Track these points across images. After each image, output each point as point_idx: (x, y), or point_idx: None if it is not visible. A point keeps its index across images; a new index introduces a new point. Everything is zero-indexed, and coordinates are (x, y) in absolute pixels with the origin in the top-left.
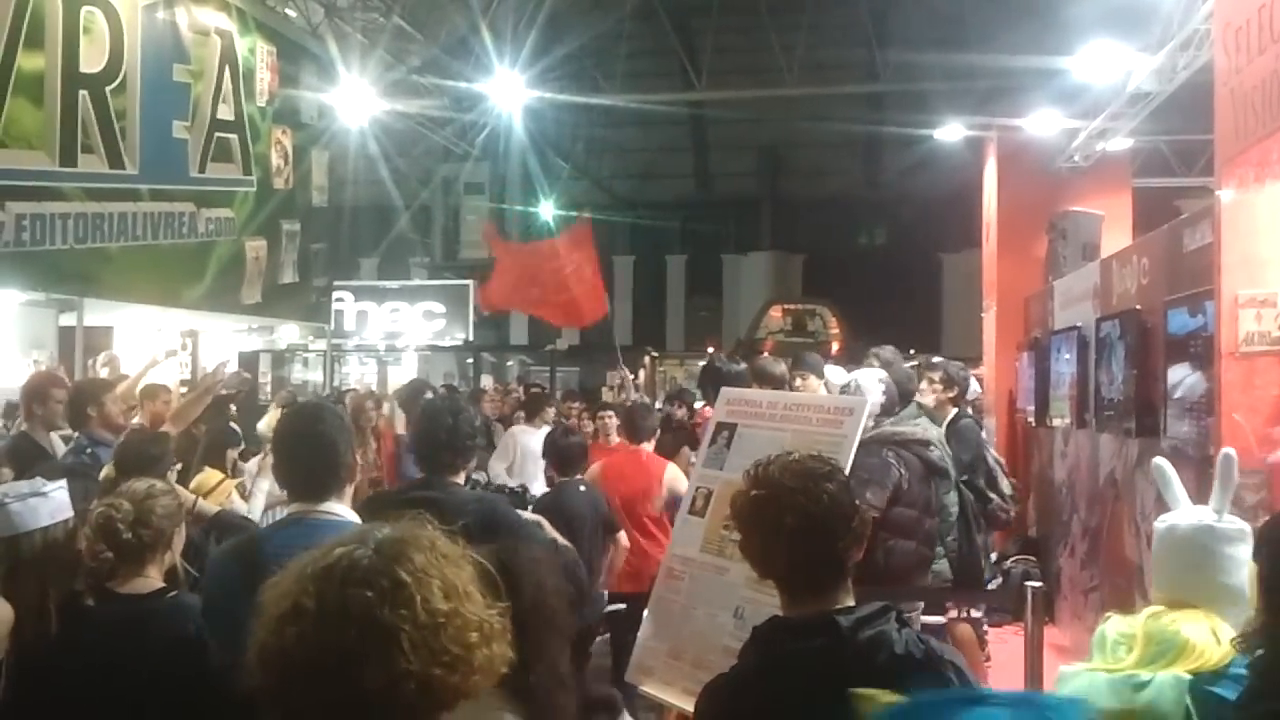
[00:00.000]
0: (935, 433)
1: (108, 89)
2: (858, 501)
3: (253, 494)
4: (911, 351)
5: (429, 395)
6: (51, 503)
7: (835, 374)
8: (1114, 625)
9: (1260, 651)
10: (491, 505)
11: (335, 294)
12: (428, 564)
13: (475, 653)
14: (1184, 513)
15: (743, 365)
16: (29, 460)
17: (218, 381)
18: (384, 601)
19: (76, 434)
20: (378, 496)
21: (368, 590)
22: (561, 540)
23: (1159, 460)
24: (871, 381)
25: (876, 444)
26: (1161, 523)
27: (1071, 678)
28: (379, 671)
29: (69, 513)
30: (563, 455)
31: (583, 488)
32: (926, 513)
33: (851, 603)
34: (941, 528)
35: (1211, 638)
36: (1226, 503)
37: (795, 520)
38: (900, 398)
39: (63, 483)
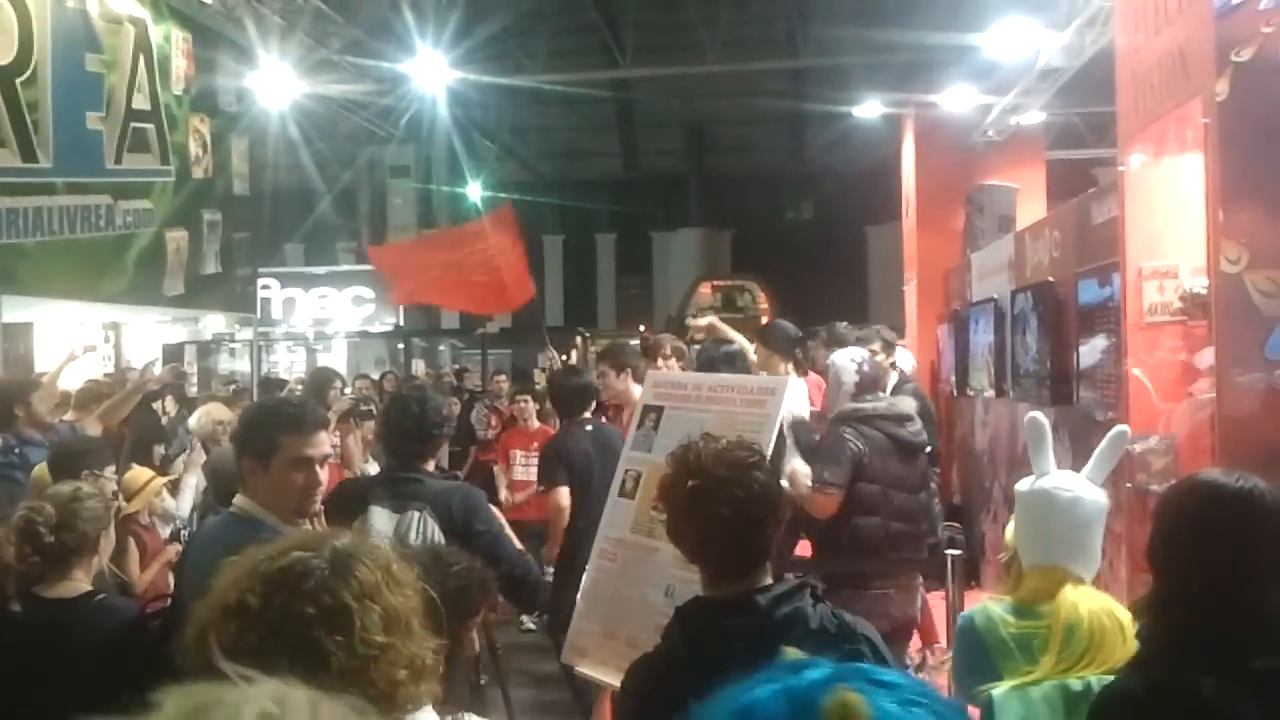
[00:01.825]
0: (909, 405)
1: (18, 81)
2: (818, 482)
3: (181, 490)
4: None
5: (337, 384)
6: None
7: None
8: (997, 617)
9: (1149, 619)
10: (467, 491)
11: (260, 281)
12: (375, 587)
13: (399, 690)
14: (1071, 479)
15: (736, 345)
16: None
17: (147, 380)
18: (323, 622)
19: (3, 434)
20: (352, 481)
21: (310, 607)
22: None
23: (1036, 415)
24: (845, 361)
25: (837, 422)
26: (1055, 489)
27: (1004, 704)
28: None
29: None
30: (565, 397)
31: (589, 427)
32: (897, 487)
33: (769, 581)
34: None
35: (1113, 622)
36: (1103, 475)
37: (729, 510)
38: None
39: None
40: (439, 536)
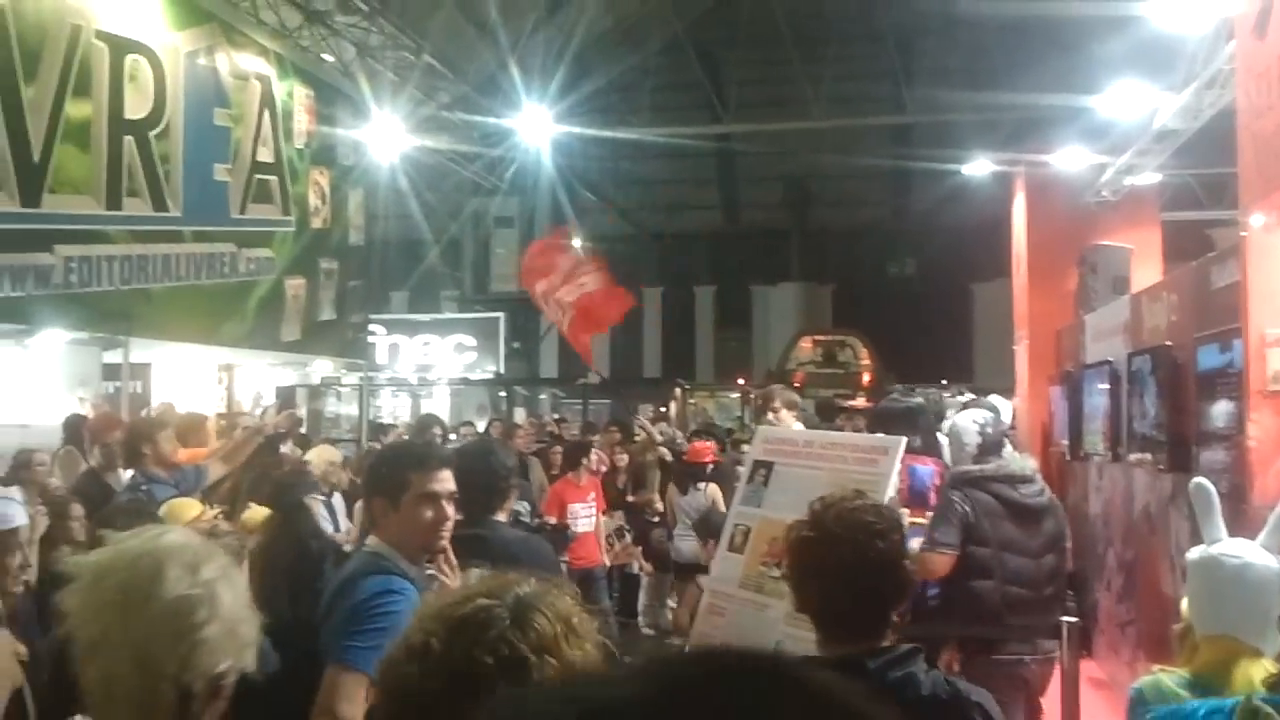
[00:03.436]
0: (1025, 466)
1: (152, 134)
2: (930, 543)
3: None
4: (944, 382)
5: (437, 430)
6: None
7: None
8: (1169, 690)
9: None
10: (536, 545)
11: (368, 327)
12: (554, 641)
13: None
14: (1242, 546)
15: (917, 399)
16: (96, 497)
17: (266, 423)
18: (502, 674)
19: (132, 472)
20: None
21: (489, 657)
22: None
23: (1201, 481)
24: (968, 423)
25: (948, 485)
26: (1222, 555)
27: None
28: None
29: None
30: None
31: None
32: (1012, 550)
33: (886, 644)
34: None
35: None
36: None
37: (836, 568)
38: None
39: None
40: None
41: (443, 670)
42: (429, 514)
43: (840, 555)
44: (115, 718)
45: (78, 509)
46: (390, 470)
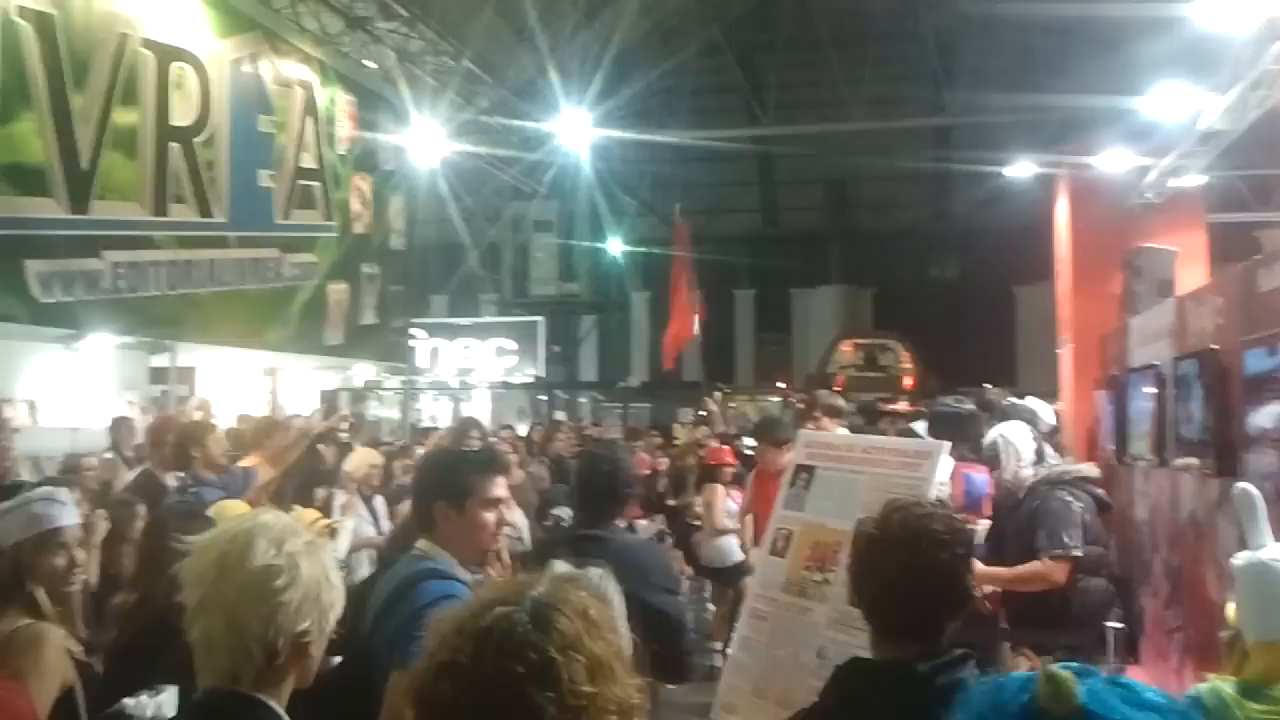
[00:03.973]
0: (1095, 471)
1: (197, 141)
2: (1060, 548)
3: (340, 533)
4: (987, 386)
5: (474, 433)
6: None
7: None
8: (1230, 698)
9: None
10: (657, 551)
11: (409, 331)
12: (577, 636)
13: None
14: None
15: (969, 405)
16: (154, 497)
17: (313, 426)
18: (533, 679)
19: (179, 474)
20: (547, 535)
21: (519, 665)
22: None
23: (1246, 486)
24: (1020, 433)
25: (1048, 486)
26: (1273, 560)
27: None
28: None
29: (42, 526)
30: None
31: None
32: (1108, 547)
33: (939, 649)
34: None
35: None
36: None
37: (894, 571)
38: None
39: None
40: (618, 598)
41: (475, 684)
42: (492, 517)
43: (899, 559)
44: (213, 671)
45: (141, 509)
46: (454, 474)
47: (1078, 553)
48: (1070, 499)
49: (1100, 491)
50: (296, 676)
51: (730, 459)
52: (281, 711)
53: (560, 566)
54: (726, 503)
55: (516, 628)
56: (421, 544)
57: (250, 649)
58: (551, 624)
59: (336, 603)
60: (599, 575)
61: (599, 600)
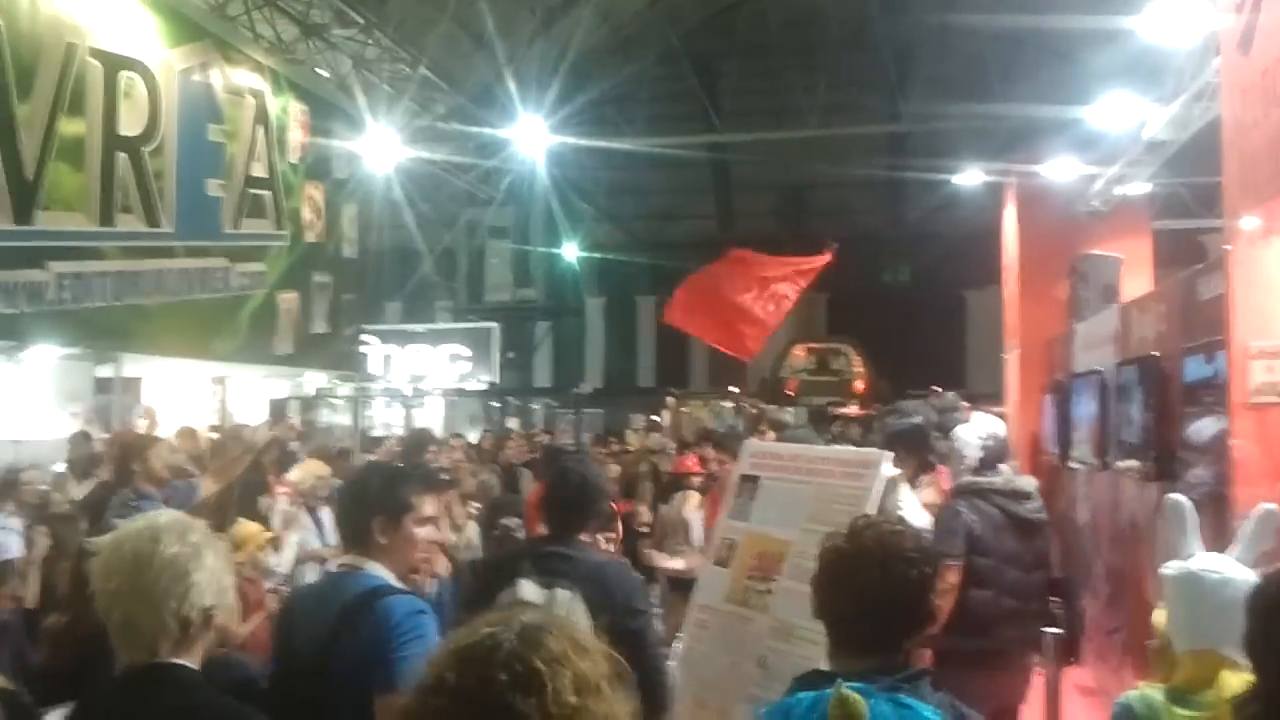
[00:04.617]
0: (1029, 484)
1: (145, 150)
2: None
3: (283, 547)
4: (935, 389)
5: (432, 449)
6: None
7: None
8: (1160, 705)
9: (1252, 712)
10: (624, 570)
11: (361, 337)
12: (564, 654)
13: None
14: (1219, 560)
15: (919, 418)
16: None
17: (258, 441)
18: (516, 687)
19: (121, 489)
20: (505, 551)
21: (503, 674)
22: None
23: (1177, 497)
24: (971, 436)
25: (953, 495)
26: (1203, 571)
27: None
28: None
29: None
30: None
31: None
32: (1011, 563)
33: (896, 664)
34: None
35: None
36: (1253, 555)
37: (863, 585)
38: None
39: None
40: (586, 621)
41: (459, 697)
42: (424, 534)
43: (870, 574)
44: (135, 647)
45: (84, 525)
46: (393, 490)
47: (950, 563)
48: (963, 509)
49: (1021, 508)
50: (205, 645)
51: (697, 468)
52: (196, 671)
53: (527, 587)
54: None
55: (503, 644)
56: (349, 559)
57: (168, 623)
58: (539, 641)
59: (230, 584)
60: (568, 598)
61: (590, 634)
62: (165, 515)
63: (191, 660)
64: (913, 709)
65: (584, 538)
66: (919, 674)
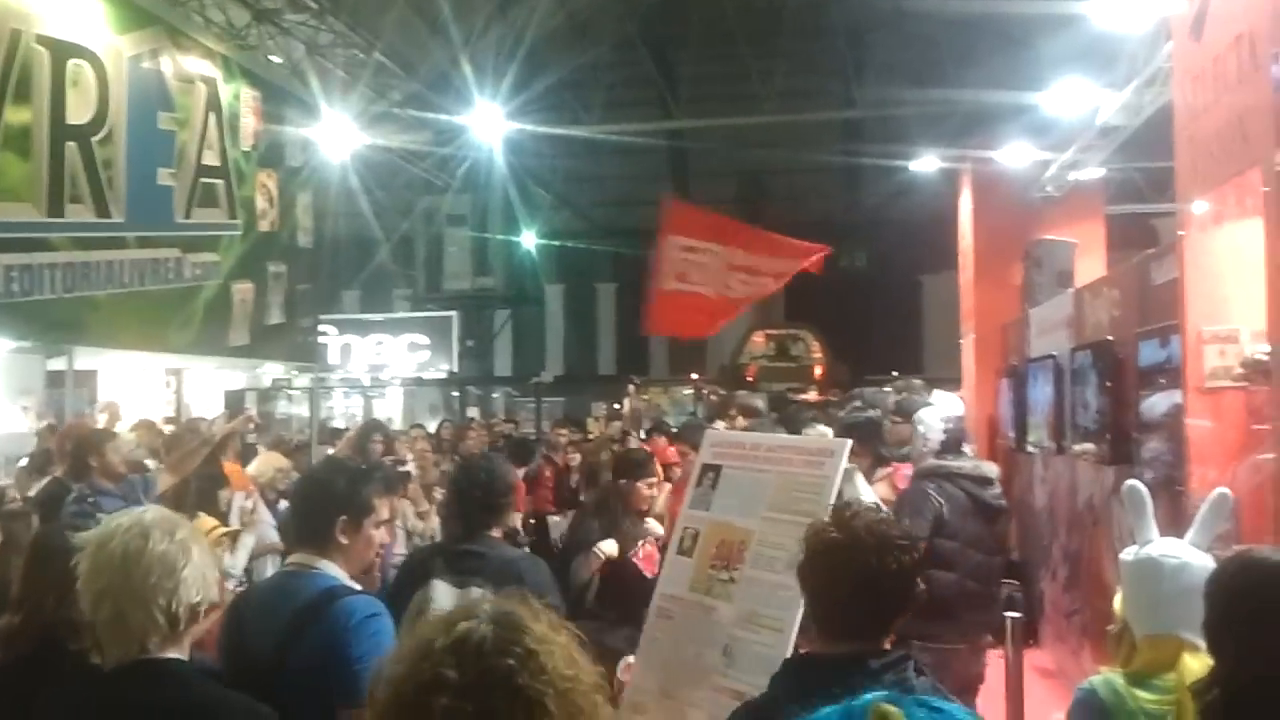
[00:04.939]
0: (993, 470)
1: (94, 139)
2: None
3: (238, 547)
4: (894, 374)
5: (376, 437)
6: None
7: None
8: (1123, 689)
9: (1210, 696)
10: (536, 564)
11: (319, 328)
12: (545, 634)
13: (600, 711)
14: (1176, 545)
15: (876, 412)
16: (57, 507)
17: (215, 433)
18: (524, 669)
19: (78, 484)
20: (419, 550)
21: (508, 659)
22: None
23: (1135, 484)
24: (934, 420)
25: (919, 477)
26: (1161, 556)
27: None
28: None
29: None
30: None
31: None
32: (975, 547)
33: (881, 647)
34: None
35: None
36: (1208, 539)
37: (858, 573)
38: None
39: None
40: None
41: (471, 689)
42: (379, 536)
43: (864, 561)
44: (122, 643)
45: (34, 520)
46: (358, 491)
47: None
48: (931, 491)
49: (985, 492)
50: (191, 638)
51: (675, 458)
52: (189, 664)
53: (440, 587)
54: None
55: (489, 634)
56: (299, 557)
57: (157, 619)
58: (522, 626)
59: (216, 580)
60: (480, 595)
61: (543, 609)
62: (152, 512)
63: (180, 654)
64: (945, 713)
65: (496, 533)
66: (903, 658)
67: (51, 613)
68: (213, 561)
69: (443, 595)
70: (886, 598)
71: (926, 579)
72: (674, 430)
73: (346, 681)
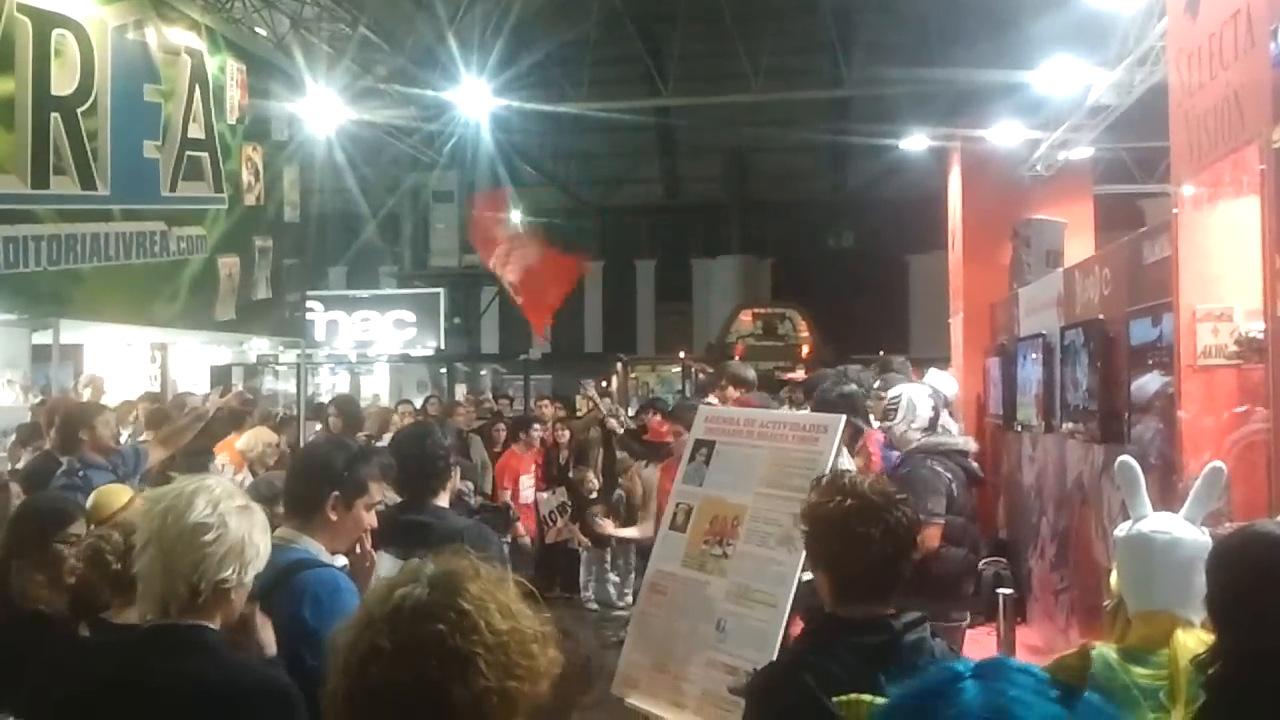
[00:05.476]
0: (972, 443)
1: (79, 111)
2: (921, 516)
3: None
4: (880, 353)
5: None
6: None
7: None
8: (1117, 664)
9: (1214, 670)
10: (481, 532)
11: (306, 304)
12: (481, 591)
13: (539, 660)
14: (1169, 520)
15: (850, 385)
16: (45, 481)
17: (208, 409)
18: (455, 631)
19: (67, 457)
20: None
21: (439, 624)
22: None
23: (1127, 459)
24: (921, 396)
25: (921, 454)
26: (1153, 532)
27: None
28: (464, 692)
29: None
30: None
31: None
32: (972, 520)
33: (893, 611)
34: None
35: None
36: (1201, 514)
37: (877, 533)
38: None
39: None
40: None
41: (402, 657)
42: (369, 518)
43: (882, 523)
44: (149, 599)
45: (15, 489)
46: (355, 470)
47: (938, 521)
48: (940, 469)
49: (975, 465)
50: (222, 615)
51: (669, 435)
52: (215, 633)
53: (385, 559)
54: None
55: (423, 597)
56: (283, 531)
57: (177, 587)
58: (457, 586)
59: (256, 559)
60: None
61: (485, 562)
62: (214, 481)
63: (210, 622)
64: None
65: (442, 500)
66: (921, 618)
67: (22, 584)
68: (254, 540)
69: (387, 567)
70: (899, 559)
71: (940, 555)
72: (669, 409)
73: (306, 654)
